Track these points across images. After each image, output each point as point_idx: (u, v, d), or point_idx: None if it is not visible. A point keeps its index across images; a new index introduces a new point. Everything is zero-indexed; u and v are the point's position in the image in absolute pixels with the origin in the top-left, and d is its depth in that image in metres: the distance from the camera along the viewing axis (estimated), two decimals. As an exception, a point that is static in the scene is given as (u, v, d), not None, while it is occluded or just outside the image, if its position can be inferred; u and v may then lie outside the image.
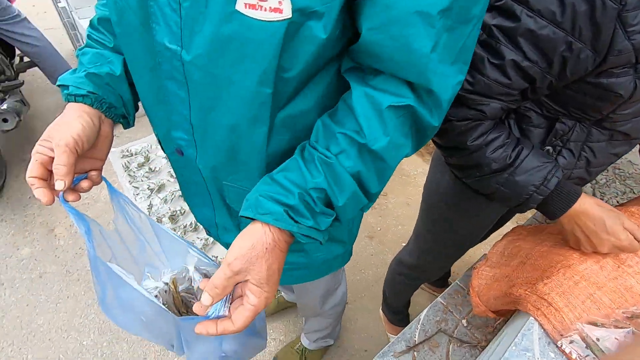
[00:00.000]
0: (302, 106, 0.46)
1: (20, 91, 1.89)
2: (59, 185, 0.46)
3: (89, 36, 0.57)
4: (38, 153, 0.48)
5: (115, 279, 0.48)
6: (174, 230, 1.68)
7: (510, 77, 0.52)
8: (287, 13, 0.35)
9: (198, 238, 1.67)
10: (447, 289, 0.88)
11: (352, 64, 0.43)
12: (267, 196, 0.42)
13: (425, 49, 0.37)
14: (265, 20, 0.36)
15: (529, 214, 1.26)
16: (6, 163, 1.91)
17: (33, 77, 2.49)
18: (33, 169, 0.47)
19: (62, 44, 2.74)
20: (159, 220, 1.72)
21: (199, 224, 1.70)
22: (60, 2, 2.14)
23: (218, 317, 0.43)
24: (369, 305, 1.48)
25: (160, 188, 1.88)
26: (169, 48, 0.42)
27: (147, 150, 2.07)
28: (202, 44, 0.39)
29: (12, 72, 2.08)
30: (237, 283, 0.43)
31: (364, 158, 0.42)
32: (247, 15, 0.36)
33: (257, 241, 0.42)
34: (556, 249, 0.66)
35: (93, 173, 0.55)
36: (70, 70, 0.54)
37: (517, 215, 1.31)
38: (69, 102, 0.52)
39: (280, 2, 0.35)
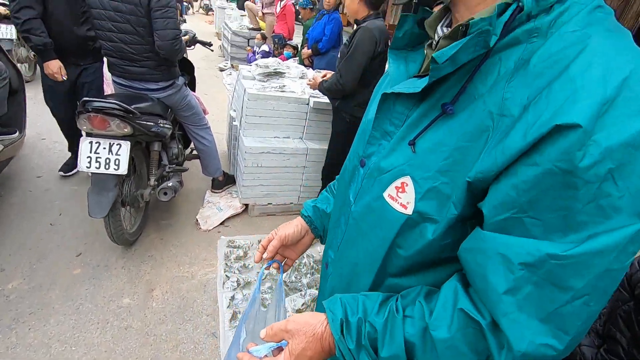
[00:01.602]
0: (408, 283, 0.55)
1: (181, 174, 2.45)
2: (266, 255, 0.79)
3: (330, 185, 0.87)
4: (271, 234, 0.80)
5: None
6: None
7: None
8: (409, 211, 0.50)
9: (261, 347, 1.69)
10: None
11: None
12: (343, 302, 0.53)
13: (499, 287, 0.41)
14: (395, 209, 0.52)
15: None
16: (145, 223, 2.36)
17: (190, 164, 3.19)
18: (264, 241, 0.79)
19: (219, 145, 3.52)
20: (234, 317, 1.82)
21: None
22: (235, 120, 2.87)
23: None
24: None
25: (246, 285, 2.04)
26: (349, 198, 0.63)
27: (248, 247, 2.33)
28: (361, 205, 0.59)
29: (183, 159, 2.74)
30: (281, 340, 0.53)
31: (424, 337, 0.46)
32: (387, 202, 0.53)
33: (314, 323, 0.52)
34: None
35: (289, 262, 0.85)
36: (311, 200, 0.85)
37: None
38: (300, 215, 0.84)
39: (408, 203, 0.50)
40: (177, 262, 2.14)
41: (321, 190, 2.60)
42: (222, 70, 7.66)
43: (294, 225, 0.80)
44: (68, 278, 1.89)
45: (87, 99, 1.65)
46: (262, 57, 7.02)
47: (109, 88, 3.01)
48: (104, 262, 2.03)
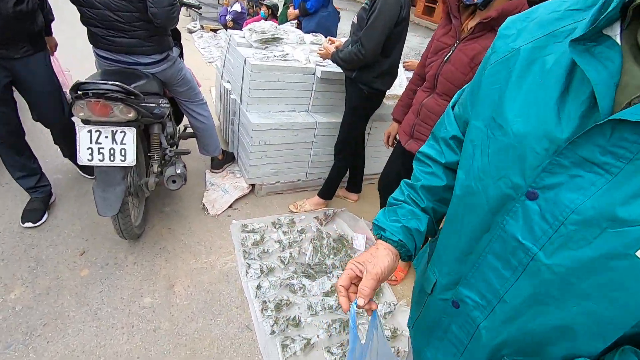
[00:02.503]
0: None
1: (182, 158, 2.24)
2: (360, 301, 0.62)
3: (408, 195, 0.72)
4: (350, 269, 0.65)
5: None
6: (276, 320, 1.70)
7: None
8: None
9: (299, 335, 1.66)
10: None
11: None
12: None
13: None
14: None
15: None
16: (148, 214, 2.18)
17: (182, 143, 2.94)
18: (344, 280, 0.65)
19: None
20: (265, 307, 1.76)
21: (302, 320, 1.71)
22: (232, 94, 2.63)
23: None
24: None
25: (270, 272, 1.96)
26: (520, 242, 0.51)
27: (264, 230, 2.23)
28: (570, 259, 0.46)
29: (178, 138, 2.51)
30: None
31: None
32: None
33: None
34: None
35: (373, 306, 0.67)
36: (382, 212, 0.71)
37: None
38: (380, 239, 0.69)
39: None
40: (192, 253, 2.00)
41: (337, 168, 2.54)
42: (191, 32, 7.02)
43: (385, 256, 0.66)
44: (76, 281, 1.72)
45: (82, 81, 1.40)
46: (233, 18, 6.47)
47: (68, 80, 2.64)
48: (113, 260, 1.86)
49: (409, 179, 0.77)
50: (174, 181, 1.89)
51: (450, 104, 0.74)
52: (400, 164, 1.94)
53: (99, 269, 1.80)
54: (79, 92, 1.40)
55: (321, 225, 2.39)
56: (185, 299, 1.74)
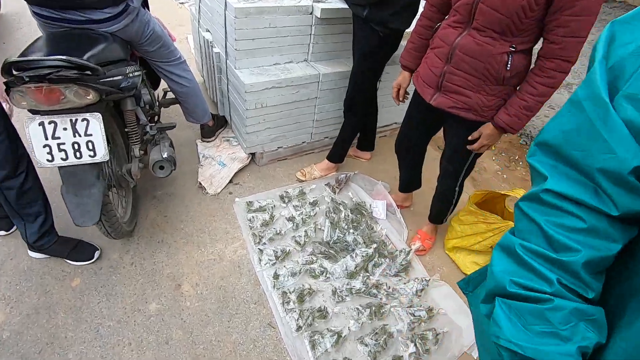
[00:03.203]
0: None
1: (167, 133, 1.90)
2: None
3: (558, 281, 0.43)
4: None
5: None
6: (301, 313, 1.53)
7: None
8: None
9: (327, 329, 1.50)
10: None
11: None
12: None
13: None
14: None
15: None
16: (138, 201, 1.90)
17: (166, 111, 2.55)
18: None
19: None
20: (286, 299, 1.57)
21: (329, 310, 1.55)
22: (215, 47, 2.19)
23: None
24: None
25: (286, 256, 1.75)
26: None
27: (272, 207, 1.98)
28: None
29: (158, 107, 2.13)
30: None
31: None
32: None
33: None
34: None
35: None
36: (504, 318, 0.44)
37: None
38: None
39: None
40: (196, 243, 1.77)
41: (348, 127, 2.23)
42: (153, -34, 6.03)
43: None
44: (68, 293, 1.50)
45: (13, 58, 1.02)
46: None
47: None
48: (106, 263, 1.63)
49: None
50: (161, 167, 1.58)
51: (603, 87, 0.41)
52: (422, 124, 1.63)
53: (92, 276, 1.57)
54: (14, 75, 1.03)
55: (334, 193, 2.14)
56: (196, 300, 1.55)
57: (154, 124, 1.78)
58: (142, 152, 1.66)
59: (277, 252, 1.75)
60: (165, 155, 1.57)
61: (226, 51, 2.03)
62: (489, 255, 1.80)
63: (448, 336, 1.56)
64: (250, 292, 1.61)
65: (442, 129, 1.66)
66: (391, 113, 2.56)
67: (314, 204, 2.04)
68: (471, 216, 1.77)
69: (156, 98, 2.13)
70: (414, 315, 1.60)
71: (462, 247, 1.83)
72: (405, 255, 1.81)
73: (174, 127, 1.81)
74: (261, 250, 1.76)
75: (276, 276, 1.66)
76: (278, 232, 1.85)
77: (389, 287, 1.70)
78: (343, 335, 1.48)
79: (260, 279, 1.66)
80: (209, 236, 1.82)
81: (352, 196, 2.12)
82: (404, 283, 1.73)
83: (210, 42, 2.22)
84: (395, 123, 2.68)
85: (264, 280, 1.65)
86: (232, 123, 2.35)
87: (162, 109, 2.23)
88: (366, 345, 1.48)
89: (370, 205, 2.07)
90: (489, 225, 1.69)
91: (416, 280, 1.74)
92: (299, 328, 1.49)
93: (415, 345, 1.49)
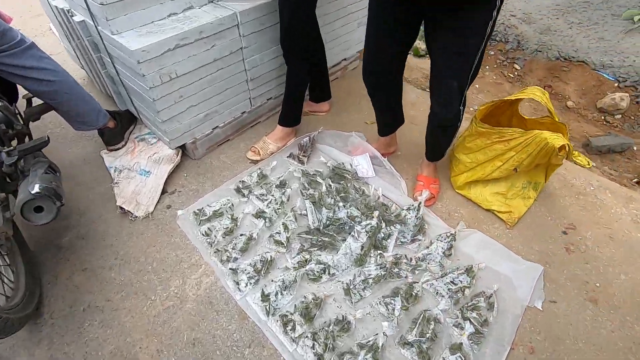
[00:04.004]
0: None
1: (42, 153, 1.28)
2: None
3: None
4: None
5: None
6: (315, 336, 1.11)
7: None
8: None
9: (358, 345, 1.09)
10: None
11: None
12: None
13: None
14: None
15: None
16: (35, 265, 1.31)
17: (42, 123, 1.86)
18: None
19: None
20: (290, 324, 1.13)
21: (349, 319, 1.14)
22: (74, 15, 1.52)
23: None
24: None
25: (269, 266, 1.29)
26: None
27: (230, 207, 1.47)
28: None
29: (22, 122, 1.47)
30: None
31: None
32: None
33: None
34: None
35: None
36: None
37: None
38: None
39: None
40: (141, 293, 1.25)
41: (294, 75, 1.59)
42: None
43: None
44: None
45: None
46: None
47: None
48: (10, 369, 1.07)
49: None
50: (38, 209, 1.00)
51: None
52: (395, 30, 1.18)
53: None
54: None
55: (303, 163, 1.66)
56: (161, 375, 1.06)
57: (13, 149, 1.15)
58: (4, 195, 1.06)
59: (255, 264, 1.28)
60: (36, 190, 0.99)
61: (91, 14, 1.38)
62: (512, 179, 1.46)
63: (500, 295, 1.22)
64: (237, 333, 1.14)
65: (423, 37, 1.22)
66: (335, 49, 2.06)
67: (282, 185, 1.56)
68: (481, 139, 1.39)
69: (16, 112, 1.47)
70: (454, 284, 1.23)
71: (476, 179, 1.47)
72: (415, 211, 1.41)
73: (46, 143, 1.20)
74: (234, 270, 1.28)
75: (265, 297, 1.20)
76: (249, 237, 1.36)
77: (411, 259, 1.31)
78: (380, 345, 1.08)
79: (245, 309, 1.19)
80: (155, 276, 1.29)
81: (325, 161, 1.65)
82: (426, 247, 1.35)
83: (67, 11, 1.54)
84: (344, 60, 2.19)
85: (251, 308, 1.19)
86: (141, 115, 1.74)
87: (33, 122, 1.56)
88: (412, 346, 1.10)
89: (351, 164, 1.63)
90: (507, 144, 1.32)
91: (439, 238, 1.36)
92: (320, 359, 1.07)
93: (471, 321, 1.14)
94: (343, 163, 1.64)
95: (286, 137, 1.76)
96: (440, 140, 1.42)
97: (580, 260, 1.33)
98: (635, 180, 1.76)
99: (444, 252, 1.32)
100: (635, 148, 1.96)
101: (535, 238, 1.40)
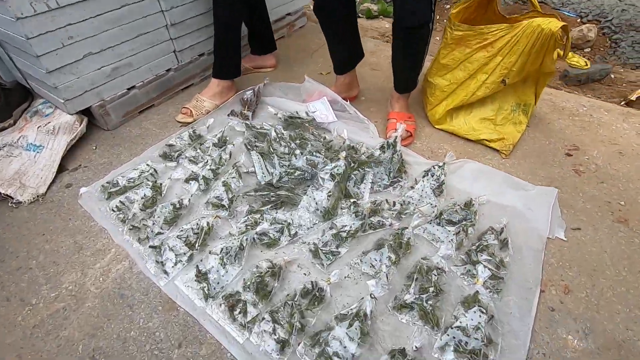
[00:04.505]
0: None
1: None
2: None
3: None
4: None
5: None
6: (275, 317, 0.77)
7: None
8: None
9: (335, 319, 0.76)
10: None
11: None
12: None
13: None
14: None
15: None
16: None
17: None
18: None
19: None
20: (238, 307, 0.79)
21: (322, 287, 0.81)
22: None
23: None
24: None
25: (206, 236, 0.94)
26: None
27: (151, 174, 1.12)
28: None
29: None
30: None
31: None
32: None
33: None
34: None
35: None
36: None
37: None
38: None
39: None
40: (15, 295, 0.85)
41: (222, 17, 1.27)
42: None
43: None
44: None
45: None
46: None
47: None
48: None
49: None
50: None
51: None
52: None
53: None
54: None
55: (248, 119, 1.34)
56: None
57: None
58: None
59: (187, 236, 0.93)
60: None
61: None
62: (499, 101, 1.21)
63: (512, 230, 0.95)
64: (161, 331, 0.78)
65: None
66: (277, 1, 1.78)
67: (221, 142, 1.22)
68: (459, 50, 1.13)
69: None
70: (454, 223, 0.94)
71: (458, 105, 1.21)
72: (391, 149, 1.12)
73: None
74: (157, 248, 0.92)
75: (201, 276, 0.85)
76: (177, 205, 1.01)
77: (394, 203, 1.01)
78: (368, 311, 0.76)
79: (173, 297, 0.83)
80: (41, 272, 0.90)
81: (274, 112, 1.34)
82: (411, 188, 1.06)
83: None
84: (289, 15, 1.91)
85: (182, 294, 0.83)
86: (30, 81, 1.35)
87: None
88: (411, 308, 0.79)
89: (307, 113, 1.33)
90: (491, 48, 1.07)
91: (425, 176, 1.07)
92: (283, 347, 0.73)
93: (484, 265, 0.84)
94: (297, 112, 1.33)
95: (224, 93, 1.43)
96: (409, 55, 1.14)
97: (594, 180, 1.09)
98: (624, 103, 1.59)
99: (433, 191, 1.04)
100: (613, 76, 1.81)
101: (537, 164, 1.15)
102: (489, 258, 0.86)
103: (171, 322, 0.79)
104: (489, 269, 0.83)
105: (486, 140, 1.20)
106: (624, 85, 1.76)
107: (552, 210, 0.98)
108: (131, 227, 0.97)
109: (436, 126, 1.29)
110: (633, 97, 1.56)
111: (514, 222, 0.96)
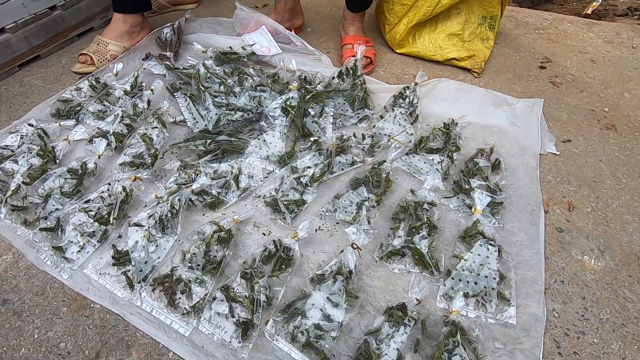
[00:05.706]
0: None
1: None
2: None
3: None
4: None
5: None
6: (244, 298, 0.57)
7: None
8: None
9: (312, 283, 0.58)
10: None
11: None
12: None
13: None
14: None
15: None
16: None
17: None
18: None
19: None
20: (181, 286, 0.57)
21: (291, 246, 0.62)
22: None
23: None
24: None
25: (125, 205, 0.69)
26: None
27: (39, 136, 0.82)
28: None
29: None
30: None
31: None
32: None
33: None
34: None
35: None
36: None
37: None
38: None
39: None
40: None
41: None
42: None
43: None
44: None
45: None
46: None
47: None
48: None
49: None
50: None
51: None
52: None
53: None
54: None
55: (170, 61, 1.05)
56: None
57: None
58: None
59: (97, 208, 0.67)
60: None
61: None
62: (465, 13, 1.05)
63: (501, 151, 0.81)
64: (68, 341, 0.55)
65: None
66: None
67: (136, 90, 0.95)
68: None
69: None
70: (436, 151, 0.79)
71: (420, 21, 1.03)
72: (352, 74, 0.92)
73: None
74: (52, 230, 0.66)
75: (122, 256, 0.62)
76: (79, 171, 0.74)
77: (363, 136, 0.83)
78: (351, 267, 0.58)
79: (83, 291, 0.59)
80: None
81: (203, 49, 1.06)
82: (380, 116, 0.88)
83: None
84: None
85: (95, 286, 0.60)
86: None
87: None
88: (402, 255, 0.63)
89: (243, 47, 1.07)
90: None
91: (395, 102, 0.90)
92: (246, 330, 0.54)
93: (482, 191, 0.70)
94: (231, 47, 1.07)
95: (134, 33, 1.13)
96: None
97: (574, 90, 0.99)
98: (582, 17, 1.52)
99: (410, 113, 0.87)
100: (563, -5, 1.74)
101: (512, 80, 1.02)
102: (483, 182, 0.72)
103: (82, 325, 0.56)
104: (487, 194, 0.69)
105: (455, 59, 1.04)
106: (575, 3, 1.70)
107: (541, 123, 0.86)
108: (13, 208, 0.69)
109: (398, 50, 1.11)
110: (589, 11, 1.49)
111: (503, 142, 0.83)
